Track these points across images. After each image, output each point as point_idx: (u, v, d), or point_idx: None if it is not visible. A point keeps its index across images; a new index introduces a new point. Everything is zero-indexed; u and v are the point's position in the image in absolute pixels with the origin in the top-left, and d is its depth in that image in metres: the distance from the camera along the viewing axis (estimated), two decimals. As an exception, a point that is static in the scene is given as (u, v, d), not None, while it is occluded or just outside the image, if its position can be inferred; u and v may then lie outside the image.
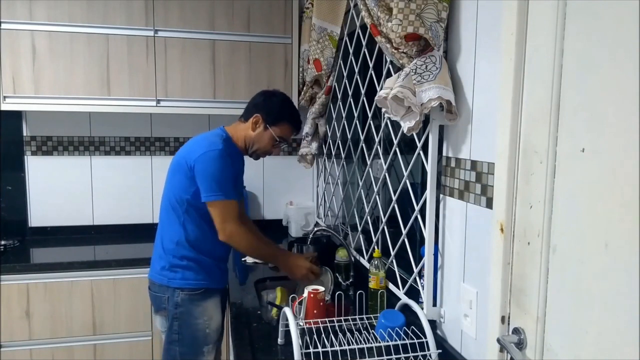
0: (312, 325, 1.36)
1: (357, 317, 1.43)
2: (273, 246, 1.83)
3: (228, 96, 2.52)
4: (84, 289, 2.27)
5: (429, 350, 1.22)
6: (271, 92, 1.89)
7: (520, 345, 0.99)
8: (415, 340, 1.24)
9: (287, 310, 1.25)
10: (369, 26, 1.45)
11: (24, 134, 2.62)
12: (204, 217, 1.71)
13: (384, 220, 1.75)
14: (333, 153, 2.46)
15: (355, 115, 2.04)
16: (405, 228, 1.54)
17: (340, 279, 1.97)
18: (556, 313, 0.91)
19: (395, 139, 1.60)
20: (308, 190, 2.97)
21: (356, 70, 2.04)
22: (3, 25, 2.26)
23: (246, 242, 1.70)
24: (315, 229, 2.07)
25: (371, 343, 1.22)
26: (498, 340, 1.02)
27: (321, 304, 1.50)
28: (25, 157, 2.63)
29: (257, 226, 2.06)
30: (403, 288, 1.57)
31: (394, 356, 1.21)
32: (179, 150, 1.80)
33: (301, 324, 1.37)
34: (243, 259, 2.27)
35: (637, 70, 0.72)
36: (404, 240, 1.56)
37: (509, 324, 1.04)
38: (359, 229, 2.09)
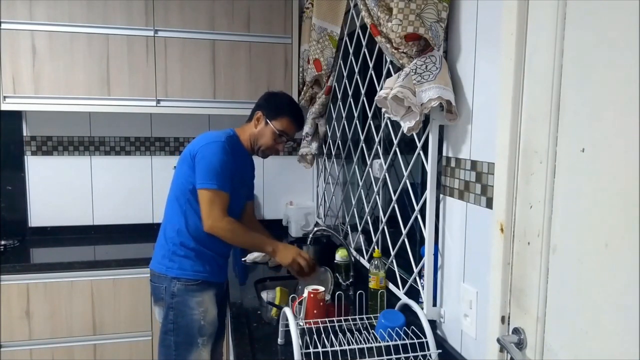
0: (312, 325, 1.36)
1: (357, 317, 1.43)
2: (260, 235, 1.79)
3: (228, 96, 2.52)
4: (84, 289, 2.27)
5: (429, 350, 1.22)
6: (273, 92, 1.96)
7: (520, 345, 0.99)
8: (415, 340, 1.23)
9: (287, 310, 1.25)
10: (369, 26, 1.45)
11: (24, 134, 2.62)
12: None
13: (384, 220, 1.75)
14: (333, 153, 2.46)
15: (355, 115, 2.04)
16: (405, 228, 1.54)
17: (340, 279, 1.97)
18: (556, 313, 0.91)
19: (395, 139, 1.60)
20: (308, 190, 2.97)
21: (356, 70, 2.04)
22: (3, 25, 2.26)
23: (230, 233, 1.69)
24: (315, 229, 2.07)
25: (371, 343, 1.22)
26: (498, 340, 1.02)
27: (321, 304, 1.50)
28: (25, 157, 2.63)
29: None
30: (403, 288, 1.57)
31: (394, 356, 1.21)
32: (188, 145, 1.83)
33: (301, 324, 1.37)
34: (243, 259, 2.27)
35: (637, 70, 0.72)
36: (404, 240, 1.56)
37: (509, 324, 1.04)
38: (359, 229, 2.09)
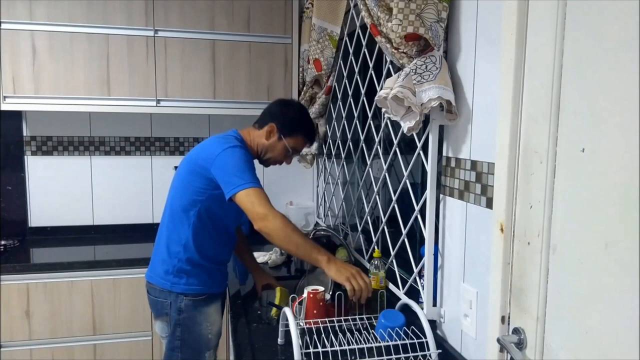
0: (312, 325, 1.36)
1: (357, 317, 1.43)
2: (312, 241, 1.57)
3: (228, 96, 2.52)
4: (84, 289, 2.27)
5: (429, 350, 1.22)
6: (288, 102, 1.84)
7: (520, 345, 0.99)
8: (415, 340, 1.23)
9: (287, 310, 1.25)
10: (369, 26, 1.45)
11: (24, 134, 2.62)
12: (214, 221, 1.69)
13: (384, 220, 1.75)
14: (333, 153, 2.46)
15: (355, 115, 2.04)
16: (405, 228, 1.54)
17: (340, 279, 1.97)
18: (556, 313, 0.91)
19: (395, 139, 1.60)
20: (308, 190, 2.97)
21: (356, 70, 2.04)
22: (3, 25, 2.26)
23: (283, 231, 1.47)
24: (315, 229, 2.07)
25: (371, 343, 1.22)
26: (498, 340, 1.02)
27: (321, 304, 1.49)
28: (25, 157, 2.63)
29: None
30: (403, 288, 1.57)
31: (394, 356, 1.21)
32: (191, 151, 1.75)
33: (301, 324, 1.37)
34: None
35: (637, 70, 0.72)
36: (404, 240, 1.56)
37: (509, 324, 1.04)
38: (359, 229, 2.09)
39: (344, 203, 2.42)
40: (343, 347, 1.20)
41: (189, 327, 1.70)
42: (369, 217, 1.97)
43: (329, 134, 2.48)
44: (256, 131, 1.78)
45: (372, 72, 1.81)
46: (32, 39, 2.28)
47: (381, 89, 1.32)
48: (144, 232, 2.72)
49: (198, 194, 1.64)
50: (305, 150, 2.45)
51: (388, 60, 1.60)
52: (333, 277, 1.46)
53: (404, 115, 1.29)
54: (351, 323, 1.40)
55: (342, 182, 2.38)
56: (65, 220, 2.69)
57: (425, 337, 1.23)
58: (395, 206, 1.61)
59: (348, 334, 1.26)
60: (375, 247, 1.81)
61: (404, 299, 1.44)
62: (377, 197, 1.83)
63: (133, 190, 2.76)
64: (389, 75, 1.58)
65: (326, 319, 1.39)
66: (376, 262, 1.63)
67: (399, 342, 1.25)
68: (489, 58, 1.14)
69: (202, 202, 1.65)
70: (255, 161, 1.88)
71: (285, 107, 1.80)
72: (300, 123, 1.77)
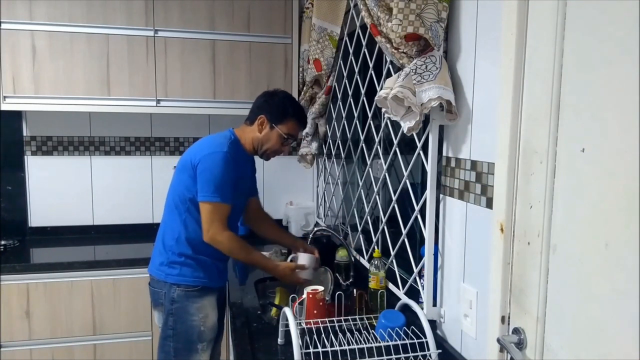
0: (312, 325, 1.36)
1: (357, 317, 1.43)
2: (258, 255, 1.77)
3: (228, 96, 2.52)
4: (84, 289, 2.27)
5: (429, 350, 1.22)
6: (272, 92, 1.90)
7: (520, 345, 0.99)
8: (415, 340, 1.24)
9: (287, 310, 1.25)
10: (369, 26, 1.45)
11: (24, 134, 2.62)
12: None
13: (384, 220, 1.75)
14: (333, 153, 2.46)
15: (355, 115, 2.04)
16: (405, 228, 1.54)
17: (340, 279, 1.97)
18: (556, 313, 0.91)
19: (395, 139, 1.60)
20: (308, 190, 2.97)
21: (356, 70, 2.04)
22: (3, 25, 2.26)
23: (228, 247, 1.70)
24: (315, 229, 2.07)
25: (371, 343, 1.22)
26: (498, 340, 1.02)
27: (321, 304, 1.50)
28: (25, 157, 2.63)
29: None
30: (403, 288, 1.57)
31: (394, 356, 1.21)
32: (188, 149, 1.82)
33: (301, 324, 1.37)
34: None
35: (637, 70, 0.72)
36: (404, 240, 1.56)
37: (509, 324, 1.04)
38: (359, 229, 2.09)
39: (344, 203, 2.42)
40: (343, 347, 1.20)
41: (181, 317, 1.74)
42: (369, 217, 1.97)
43: (329, 134, 2.48)
44: (248, 127, 1.85)
45: (372, 72, 1.81)
46: (32, 39, 2.28)
47: (381, 89, 1.31)
48: (144, 232, 2.71)
49: (188, 190, 1.73)
50: (305, 150, 2.46)
51: (388, 60, 1.60)
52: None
53: (404, 115, 1.29)
54: (351, 323, 1.40)
55: (342, 182, 2.38)
56: (65, 220, 2.68)
57: (425, 337, 1.23)
58: (395, 206, 1.61)
59: (348, 334, 1.26)
60: (375, 247, 1.81)
61: (404, 299, 1.44)
62: (377, 197, 1.83)
63: (133, 190, 2.76)
64: (389, 75, 1.58)
65: (326, 319, 1.39)
66: (376, 262, 1.64)
67: (399, 342, 1.25)
68: (489, 58, 1.14)
69: (190, 199, 1.73)
70: (257, 158, 1.92)
71: (270, 96, 1.86)
72: (288, 108, 1.83)
